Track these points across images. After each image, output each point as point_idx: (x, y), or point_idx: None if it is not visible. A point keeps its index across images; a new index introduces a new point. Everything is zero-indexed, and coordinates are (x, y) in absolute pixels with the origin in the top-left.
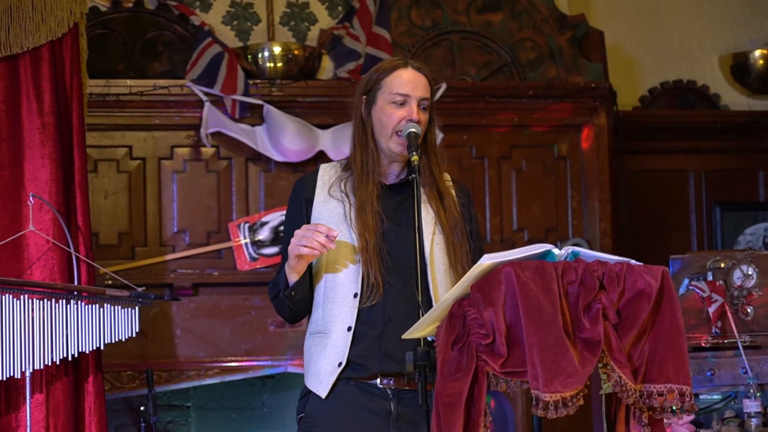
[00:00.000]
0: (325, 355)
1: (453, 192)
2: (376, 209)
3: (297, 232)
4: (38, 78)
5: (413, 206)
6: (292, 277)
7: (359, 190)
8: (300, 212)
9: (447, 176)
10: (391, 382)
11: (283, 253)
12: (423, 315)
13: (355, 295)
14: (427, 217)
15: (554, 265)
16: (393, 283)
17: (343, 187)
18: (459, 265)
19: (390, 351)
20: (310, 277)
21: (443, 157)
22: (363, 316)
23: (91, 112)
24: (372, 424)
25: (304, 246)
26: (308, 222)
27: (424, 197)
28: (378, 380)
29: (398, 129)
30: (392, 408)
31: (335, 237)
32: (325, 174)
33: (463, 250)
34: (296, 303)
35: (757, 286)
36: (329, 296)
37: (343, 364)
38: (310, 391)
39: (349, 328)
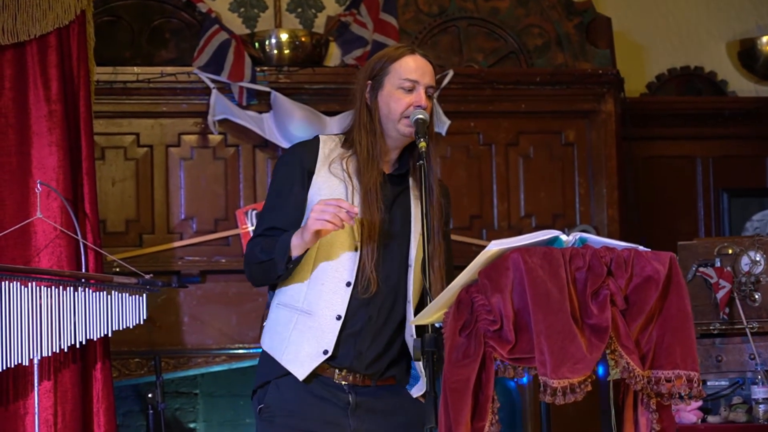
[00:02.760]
0: (308, 338)
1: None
2: (380, 198)
3: (316, 207)
4: (45, 65)
5: (407, 202)
6: (297, 252)
7: (365, 177)
8: (298, 179)
9: None
10: (349, 377)
11: (267, 216)
12: (430, 303)
13: (348, 284)
14: (417, 212)
15: (562, 252)
16: (381, 281)
17: (344, 165)
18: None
19: (363, 351)
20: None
21: (438, 144)
22: (352, 308)
23: (99, 100)
24: (331, 413)
25: (328, 221)
26: (305, 192)
27: (416, 192)
28: (336, 374)
29: (406, 114)
30: (350, 399)
31: (356, 214)
32: (326, 147)
33: (441, 250)
34: (286, 272)
35: (765, 272)
36: (319, 277)
37: (330, 353)
38: (268, 381)
39: (338, 317)
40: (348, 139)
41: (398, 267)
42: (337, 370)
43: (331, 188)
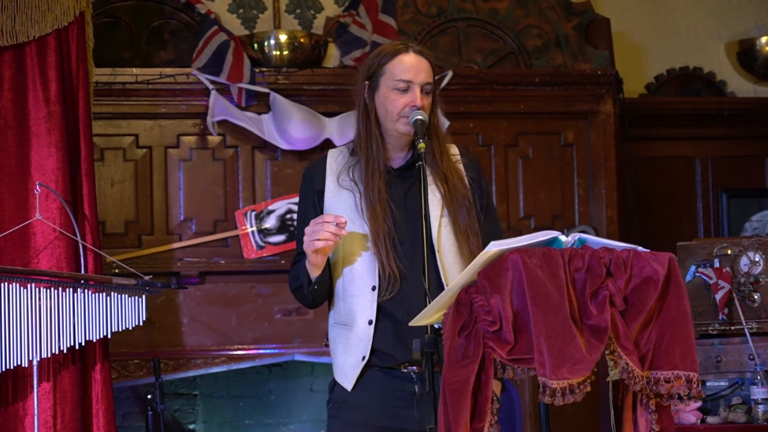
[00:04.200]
0: (349, 349)
1: (461, 168)
2: (384, 198)
3: (307, 229)
4: (44, 66)
5: (419, 191)
6: (314, 273)
7: (366, 179)
8: (312, 204)
9: (455, 150)
10: (414, 368)
11: (299, 243)
12: (430, 302)
13: (373, 288)
14: (434, 200)
15: (561, 252)
16: (408, 272)
17: (351, 175)
18: (466, 247)
19: (407, 343)
20: (328, 268)
21: (446, 136)
22: (384, 308)
23: (98, 101)
24: (395, 405)
25: (317, 240)
26: (319, 213)
27: (430, 179)
28: (403, 368)
29: (403, 114)
30: (416, 389)
31: (344, 223)
32: (333, 161)
33: (472, 230)
34: (319, 295)
35: (764, 272)
36: (348, 289)
37: (367, 358)
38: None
39: (370, 322)
40: (354, 146)
41: (423, 255)
42: (403, 365)
43: (341, 201)
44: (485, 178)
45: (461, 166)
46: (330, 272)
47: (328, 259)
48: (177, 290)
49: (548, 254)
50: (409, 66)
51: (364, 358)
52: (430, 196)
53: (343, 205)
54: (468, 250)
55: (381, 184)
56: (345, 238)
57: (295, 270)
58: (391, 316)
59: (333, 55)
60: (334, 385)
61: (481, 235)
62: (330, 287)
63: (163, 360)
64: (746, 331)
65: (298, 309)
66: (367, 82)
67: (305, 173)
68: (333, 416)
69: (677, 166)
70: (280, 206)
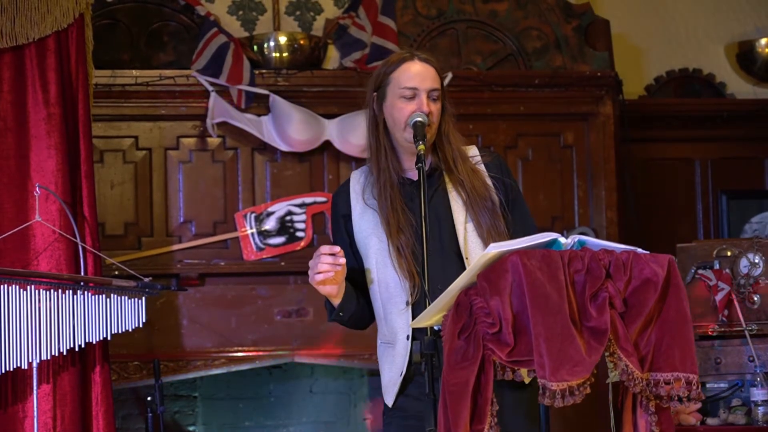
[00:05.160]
0: (392, 366)
1: (482, 168)
2: (398, 207)
3: (310, 263)
4: (44, 68)
5: (442, 199)
6: (335, 301)
7: (379, 192)
8: (342, 229)
9: (474, 151)
10: None
11: None
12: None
13: (408, 304)
14: (457, 207)
15: (561, 254)
16: (440, 282)
17: (373, 193)
18: None
19: None
20: (355, 293)
21: (459, 139)
22: None
23: (97, 103)
24: None
25: (318, 273)
26: (351, 238)
27: (449, 185)
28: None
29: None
30: None
31: (340, 252)
32: (356, 183)
33: (497, 231)
34: (351, 320)
35: (764, 274)
36: (387, 308)
37: (404, 373)
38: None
39: (408, 337)
40: (369, 163)
41: (454, 264)
42: None
43: (367, 221)
44: (512, 175)
45: (482, 167)
46: (356, 296)
47: (352, 284)
48: (177, 292)
49: (548, 256)
50: (415, 73)
51: (401, 373)
52: (453, 203)
53: (369, 225)
54: None
55: (394, 194)
56: (375, 256)
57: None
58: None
59: (332, 57)
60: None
61: (511, 231)
62: (364, 309)
63: (163, 362)
64: (746, 332)
65: (298, 311)
66: (375, 93)
67: (333, 198)
68: (387, 423)
69: (677, 168)
70: (280, 208)
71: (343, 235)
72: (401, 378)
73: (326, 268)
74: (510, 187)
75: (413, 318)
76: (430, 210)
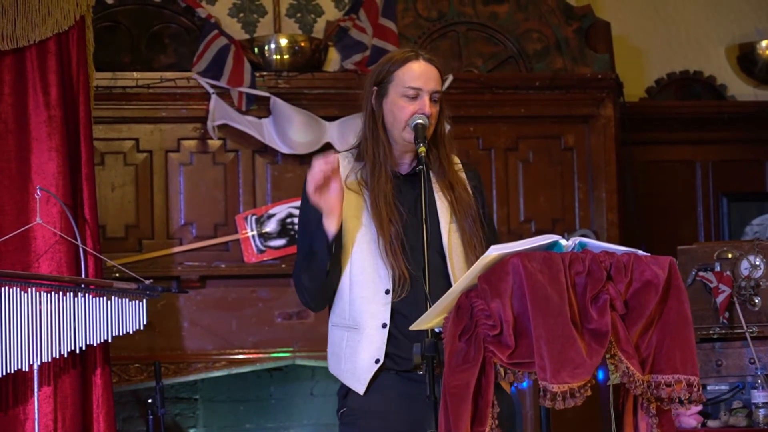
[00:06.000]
0: (359, 351)
1: (464, 176)
2: (391, 201)
3: (308, 181)
4: (45, 71)
5: (431, 196)
6: (331, 228)
7: (372, 184)
8: (314, 207)
9: (456, 159)
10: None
11: (300, 247)
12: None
13: (387, 292)
14: (442, 206)
15: (561, 256)
16: (419, 276)
17: (358, 177)
18: (473, 254)
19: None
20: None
21: (452, 146)
22: (396, 311)
23: (98, 105)
24: (419, 411)
25: (316, 174)
26: None
27: (437, 187)
28: (419, 371)
29: (410, 122)
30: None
31: (335, 160)
32: (341, 166)
33: (477, 239)
34: (328, 276)
35: (765, 276)
36: (358, 292)
37: (381, 361)
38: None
39: (384, 325)
40: (359, 151)
41: (435, 257)
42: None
43: (348, 203)
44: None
45: (464, 175)
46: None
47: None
48: (177, 294)
49: (549, 258)
50: (419, 74)
51: (378, 361)
52: (438, 203)
53: (350, 206)
54: (475, 258)
55: (388, 187)
56: (352, 241)
57: (299, 265)
58: (404, 319)
59: (333, 59)
60: (347, 392)
61: (485, 243)
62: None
63: (164, 364)
64: (747, 334)
65: (299, 313)
66: (375, 87)
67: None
68: (349, 423)
69: (678, 170)
70: (281, 210)
71: (317, 211)
72: (378, 365)
73: (322, 167)
74: (484, 200)
75: (392, 308)
76: (417, 206)
